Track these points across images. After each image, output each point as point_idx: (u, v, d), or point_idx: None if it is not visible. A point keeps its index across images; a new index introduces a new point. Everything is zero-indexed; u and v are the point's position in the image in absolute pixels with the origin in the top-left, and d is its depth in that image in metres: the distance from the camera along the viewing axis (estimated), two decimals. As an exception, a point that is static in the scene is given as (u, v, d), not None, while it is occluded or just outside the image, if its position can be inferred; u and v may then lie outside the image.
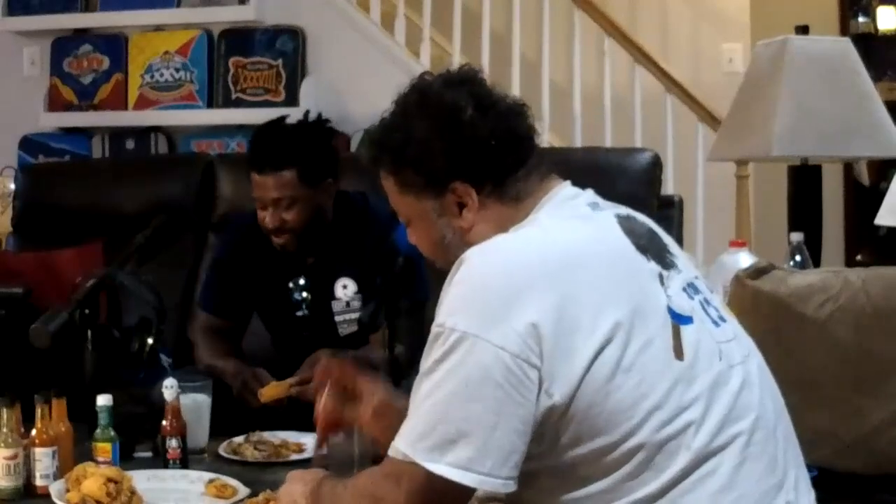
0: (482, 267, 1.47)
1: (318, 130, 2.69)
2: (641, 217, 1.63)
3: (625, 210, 1.63)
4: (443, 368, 1.42)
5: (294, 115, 3.04)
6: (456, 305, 1.45)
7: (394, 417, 1.70)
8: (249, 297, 2.82)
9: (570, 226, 1.55)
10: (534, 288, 1.42)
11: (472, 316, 1.42)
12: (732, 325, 1.60)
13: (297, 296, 2.78)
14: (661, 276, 1.52)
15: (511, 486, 1.43)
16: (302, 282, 2.77)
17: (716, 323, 1.55)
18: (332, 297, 2.74)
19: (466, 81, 1.63)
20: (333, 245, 2.70)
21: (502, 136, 1.58)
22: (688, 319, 1.50)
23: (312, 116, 2.75)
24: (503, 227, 1.55)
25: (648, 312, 1.46)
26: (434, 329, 1.46)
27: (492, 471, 1.41)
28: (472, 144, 1.57)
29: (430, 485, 1.42)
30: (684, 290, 1.54)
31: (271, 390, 2.40)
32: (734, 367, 1.52)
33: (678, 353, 1.46)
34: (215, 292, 2.86)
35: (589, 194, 1.63)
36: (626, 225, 1.57)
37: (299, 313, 2.78)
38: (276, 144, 2.63)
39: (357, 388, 1.82)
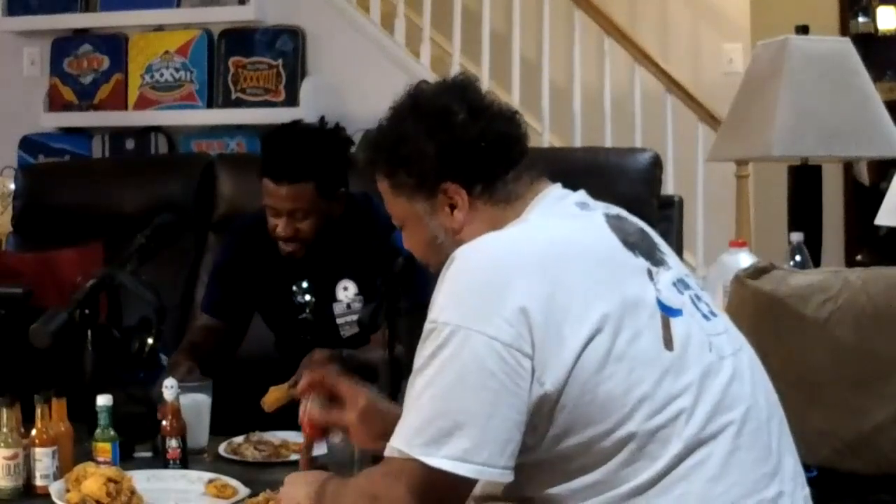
0: (471, 262, 1.49)
1: (337, 141, 2.64)
2: (632, 217, 1.66)
3: (615, 210, 1.65)
4: (436, 363, 1.44)
5: (294, 115, 3.05)
6: (447, 301, 1.47)
7: (380, 422, 1.73)
8: (252, 300, 2.82)
9: (557, 222, 1.58)
10: (522, 276, 1.44)
11: (464, 309, 1.44)
12: (723, 321, 1.62)
13: (300, 299, 2.78)
14: (649, 272, 1.54)
15: (509, 476, 1.44)
16: (305, 285, 2.77)
17: (706, 317, 1.57)
18: (333, 299, 2.74)
19: (460, 87, 1.66)
20: (336, 247, 2.70)
21: (493, 138, 1.61)
22: (677, 312, 1.52)
23: (313, 117, 2.74)
24: (493, 228, 1.57)
25: (637, 304, 1.48)
26: (427, 326, 1.47)
27: (489, 461, 1.42)
28: (463, 146, 1.60)
29: (429, 479, 1.43)
30: (674, 285, 1.56)
31: (272, 396, 2.39)
32: (725, 358, 1.53)
33: (668, 343, 1.48)
34: (216, 294, 2.85)
35: (579, 195, 1.65)
36: (615, 223, 1.59)
37: (302, 316, 2.78)
38: (295, 155, 2.58)
39: (340, 394, 1.82)
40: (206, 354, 2.67)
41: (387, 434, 1.51)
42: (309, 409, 1.83)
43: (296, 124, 2.74)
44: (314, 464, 1.92)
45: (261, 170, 2.62)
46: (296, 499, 1.66)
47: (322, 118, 2.72)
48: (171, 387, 2.18)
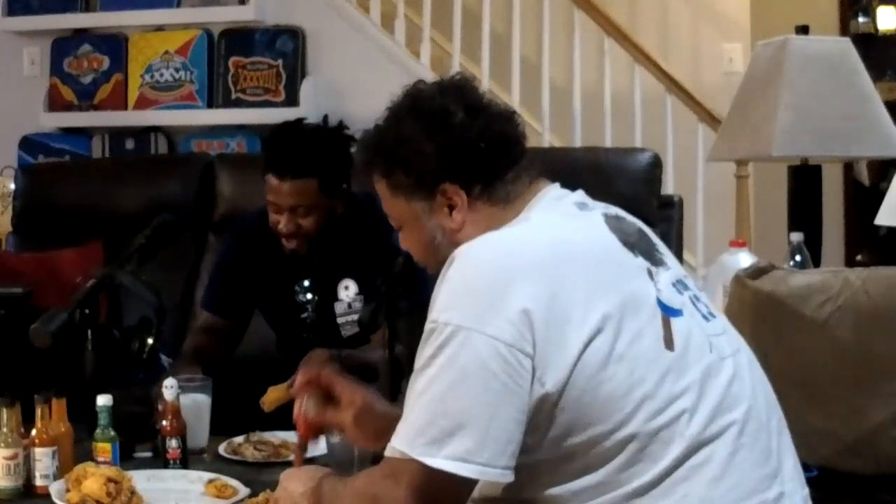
0: (472, 261, 1.49)
1: (339, 139, 2.66)
2: (631, 217, 1.66)
3: (614, 210, 1.65)
4: (437, 363, 1.43)
5: (294, 115, 3.05)
6: (448, 300, 1.47)
7: (376, 422, 1.73)
8: (253, 299, 2.82)
9: (557, 222, 1.58)
10: (524, 278, 1.44)
11: (465, 309, 1.44)
12: (722, 321, 1.63)
13: (302, 297, 2.78)
14: (649, 272, 1.54)
15: (509, 476, 1.44)
16: (307, 283, 2.77)
17: (706, 318, 1.57)
18: (335, 298, 2.74)
19: (457, 87, 1.66)
20: (339, 246, 2.70)
21: (491, 138, 1.61)
22: (678, 312, 1.52)
23: (313, 117, 2.75)
24: (492, 228, 1.57)
25: (638, 304, 1.48)
26: (428, 326, 1.47)
27: (490, 461, 1.41)
28: (462, 146, 1.59)
29: (430, 480, 1.43)
30: (674, 285, 1.56)
31: (272, 396, 2.40)
32: (725, 359, 1.54)
33: (668, 343, 1.48)
34: (217, 292, 2.86)
35: (577, 195, 1.65)
36: (614, 223, 1.59)
37: (304, 315, 2.78)
38: (298, 151, 2.59)
39: (337, 393, 1.81)
40: (207, 358, 2.66)
41: (383, 434, 1.51)
42: (304, 408, 1.83)
43: (299, 122, 2.75)
44: (314, 463, 1.92)
45: (264, 166, 2.63)
46: (292, 496, 1.66)
47: (325, 117, 2.74)
48: (171, 387, 2.18)
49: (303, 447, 1.88)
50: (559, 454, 1.46)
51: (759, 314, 2.23)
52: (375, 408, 1.78)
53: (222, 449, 2.28)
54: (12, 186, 3.94)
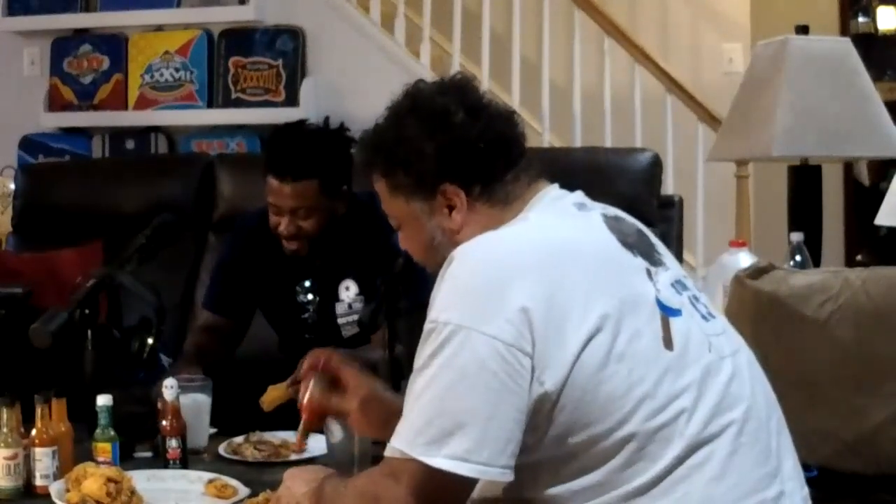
0: (471, 261, 1.49)
1: (341, 140, 2.65)
2: (630, 218, 1.66)
3: (613, 210, 1.65)
4: (437, 363, 1.44)
5: (294, 115, 3.06)
6: (448, 300, 1.47)
7: (380, 410, 1.75)
8: (254, 299, 2.82)
9: (556, 222, 1.58)
10: (523, 277, 1.44)
11: (464, 309, 1.44)
12: (721, 321, 1.63)
13: (303, 298, 2.78)
14: (648, 272, 1.55)
15: (508, 476, 1.44)
16: (308, 284, 2.77)
17: (705, 318, 1.58)
18: (336, 298, 2.74)
19: (458, 87, 1.66)
20: (340, 247, 2.70)
21: (491, 139, 1.61)
22: (677, 312, 1.53)
23: (313, 117, 2.74)
24: (491, 229, 1.57)
25: (637, 304, 1.49)
26: (427, 325, 1.47)
27: (489, 460, 1.42)
28: (462, 146, 1.60)
29: (430, 479, 1.43)
30: (672, 285, 1.56)
31: (271, 395, 2.39)
32: (724, 358, 1.54)
33: (668, 343, 1.48)
34: (218, 292, 2.86)
35: (576, 195, 1.66)
36: (613, 224, 1.60)
37: (305, 315, 2.78)
38: (299, 153, 2.59)
39: (343, 379, 1.83)
40: (208, 357, 2.66)
41: (387, 423, 1.51)
42: (310, 392, 1.84)
43: (301, 123, 2.75)
44: (315, 463, 1.92)
45: (264, 167, 2.63)
46: (295, 496, 1.66)
47: (327, 118, 2.74)
48: (171, 387, 2.18)
49: (306, 430, 1.89)
50: (559, 454, 1.46)
51: (759, 314, 2.23)
52: (381, 396, 1.79)
53: (222, 449, 2.28)
54: (12, 186, 3.94)
